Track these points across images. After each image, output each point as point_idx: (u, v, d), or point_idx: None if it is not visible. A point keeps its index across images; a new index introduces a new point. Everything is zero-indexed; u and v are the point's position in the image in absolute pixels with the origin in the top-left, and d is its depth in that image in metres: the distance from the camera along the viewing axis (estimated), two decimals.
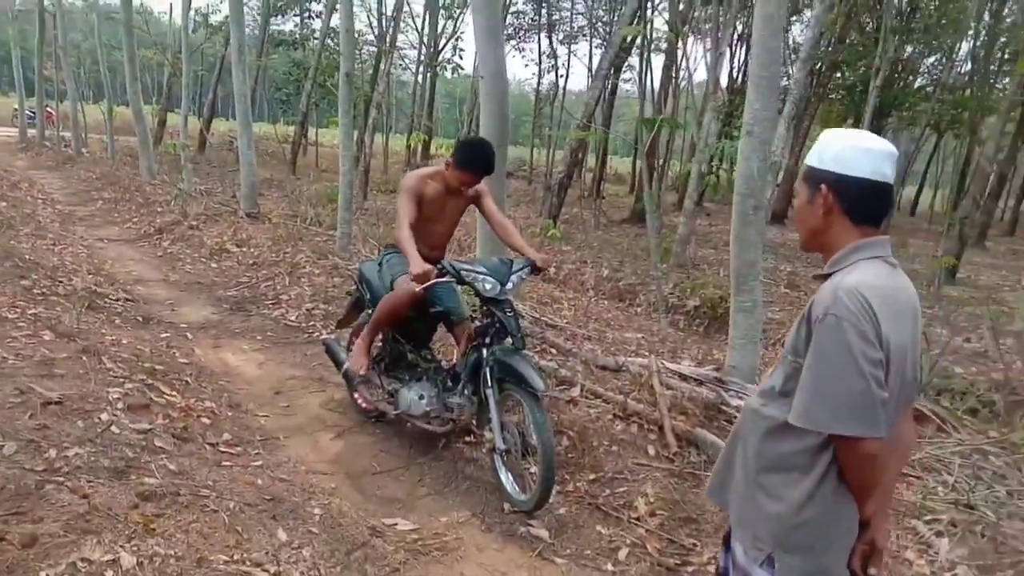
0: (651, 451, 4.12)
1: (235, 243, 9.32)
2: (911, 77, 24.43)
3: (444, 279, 3.68)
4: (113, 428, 3.49)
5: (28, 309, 5.20)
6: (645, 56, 13.94)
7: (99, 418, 3.56)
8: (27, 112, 25.78)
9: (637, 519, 3.48)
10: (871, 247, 1.71)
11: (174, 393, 4.24)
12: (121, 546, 2.54)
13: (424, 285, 3.59)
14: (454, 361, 4.10)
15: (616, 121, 27.22)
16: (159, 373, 4.50)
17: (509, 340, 3.60)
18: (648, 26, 11.34)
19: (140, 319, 6.01)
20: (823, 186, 1.72)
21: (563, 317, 7.04)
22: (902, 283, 1.71)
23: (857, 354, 1.56)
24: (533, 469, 3.51)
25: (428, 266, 3.58)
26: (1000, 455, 4.32)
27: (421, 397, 3.98)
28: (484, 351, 3.65)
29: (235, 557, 2.69)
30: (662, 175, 22.65)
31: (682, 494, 3.63)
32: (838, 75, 24.21)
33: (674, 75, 15.05)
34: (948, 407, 5.09)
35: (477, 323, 3.80)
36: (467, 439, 4.21)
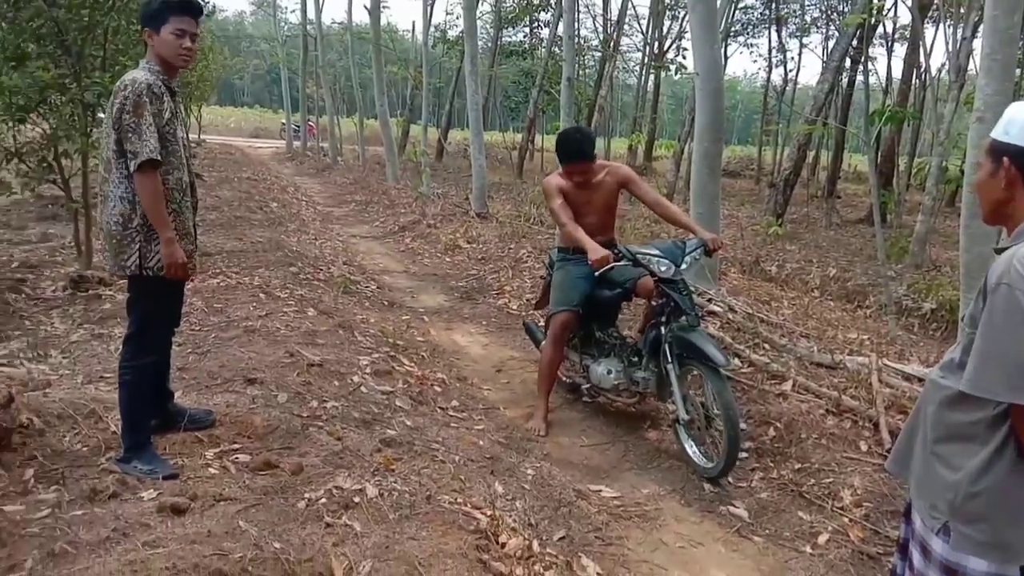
0: (863, 447, 4.01)
1: (466, 240, 10.11)
2: None
3: (621, 263, 3.93)
4: (362, 388, 4.09)
5: (295, 291, 6.10)
6: (887, 45, 13.01)
7: (351, 379, 4.18)
8: (292, 126, 29.33)
9: (841, 509, 3.45)
10: None
11: (412, 364, 4.83)
12: (367, 480, 3.02)
13: (603, 269, 3.85)
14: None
15: (855, 115, 25.46)
16: (400, 347, 5.14)
17: (684, 318, 3.75)
18: (878, 13, 10.60)
19: (385, 303, 6.80)
20: (1006, 159, 1.71)
21: (781, 315, 6.89)
22: None
23: None
24: (718, 440, 3.64)
25: (605, 251, 3.84)
26: None
27: (609, 372, 4.24)
28: (662, 329, 3.85)
29: (458, 500, 3.08)
30: (909, 172, 20.87)
31: (892, 489, 3.52)
32: None
33: (917, 64, 13.89)
34: None
35: (653, 303, 3.99)
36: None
